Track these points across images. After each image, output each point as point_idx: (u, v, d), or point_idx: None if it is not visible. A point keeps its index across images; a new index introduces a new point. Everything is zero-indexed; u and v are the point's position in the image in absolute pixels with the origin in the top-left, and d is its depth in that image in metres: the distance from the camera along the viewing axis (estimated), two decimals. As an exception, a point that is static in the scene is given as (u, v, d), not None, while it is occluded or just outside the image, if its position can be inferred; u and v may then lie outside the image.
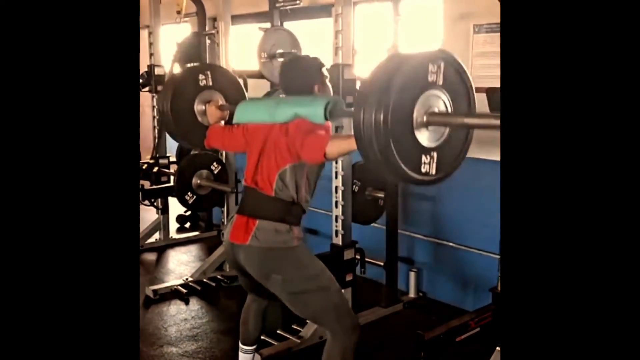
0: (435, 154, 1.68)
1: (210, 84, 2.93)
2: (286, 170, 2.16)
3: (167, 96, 2.85)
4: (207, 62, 4.35)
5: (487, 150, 3.05)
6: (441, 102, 1.66)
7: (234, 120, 2.38)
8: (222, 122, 2.70)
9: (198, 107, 2.90)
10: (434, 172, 1.69)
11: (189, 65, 3.23)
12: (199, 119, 2.90)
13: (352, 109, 1.69)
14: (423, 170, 1.67)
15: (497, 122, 1.44)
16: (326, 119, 2.07)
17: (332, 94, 2.43)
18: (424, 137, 1.65)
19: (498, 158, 1.13)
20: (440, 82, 1.64)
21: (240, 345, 2.57)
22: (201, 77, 2.90)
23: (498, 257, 2.91)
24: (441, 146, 1.70)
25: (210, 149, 2.66)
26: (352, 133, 1.63)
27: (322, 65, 2.36)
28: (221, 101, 2.87)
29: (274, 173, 2.17)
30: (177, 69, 4.43)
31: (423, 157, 1.66)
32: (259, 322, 2.53)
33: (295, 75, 2.31)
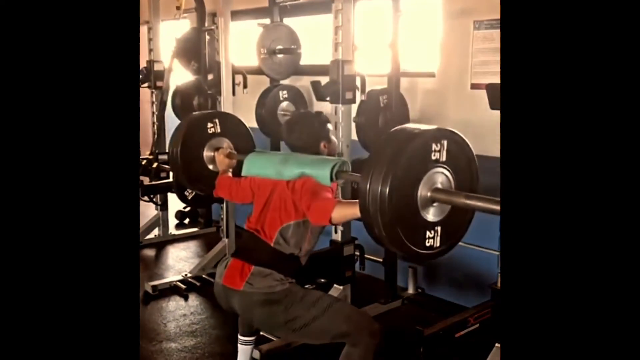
0: (439, 228, 1.72)
1: (219, 131, 2.96)
2: (290, 226, 2.20)
3: (177, 143, 2.88)
4: (207, 58, 4.35)
5: (486, 146, 3.05)
6: (444, 177, 1.70)
7: (242, 173, 2.42)
8: (230, 171, 2.75)
9: (207, 153, 2.93)
10: (437, 244, 1.73)
11: (196, 113, 3.27)
12: (208, 165, 2.94)
13: (358, 173, 1.76)
14: (427, 244, 1.70)
15: (497, 207, 1.49)
16: (332, 180, 2.10)
17: (337, 149, 2.48)
18: (429, 213, 1.69)
19: (498, 154, 1.13)
20: (444, 159, 1.68)
21: (239, 336, 2.57)
22: (210, 125, 2.93)
23: (497, 253, 2.91)
24: (445, 219, 1.73)
25: (218, 197, 2.73)
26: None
27: (327, 121, 2.41)
28: (230, 149, 2.89)
29: (276, 227, 2.21)
30: (176, 65, 4.43)
31: (427, 232, 1.70)
32: None
33: (301, 133, 2.35)
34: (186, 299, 3.68)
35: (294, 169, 2.19)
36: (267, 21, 4.26)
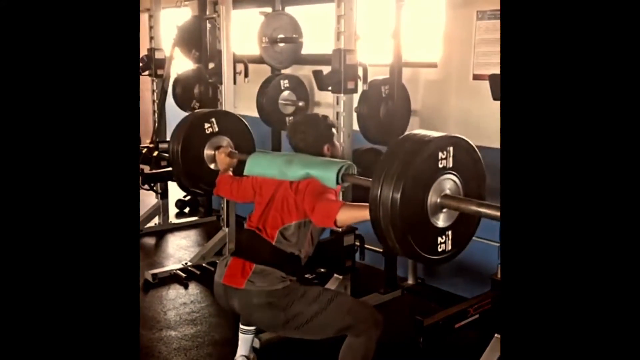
0: (450, 232, 1.74)
1: (217, 130, 2.97)
2: (290, 227, 2.20)
3: (177, 144, 2.88)
4: (208, 47, 4.33)
5: (487, 137, 3.03)
6: (452, 183, 1.73)
7: (245, 172, 2.42)
8: (231, 170, 2.75)
9: (207, 152, 2.94)
10: (450, 248, 1.75)
11: (196, 110, 3.27)
12: (209, 164, 2.96)
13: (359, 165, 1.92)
14: (439, 249, 1.73)
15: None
16: (337, 183, 2.10)
17: (340, 153, 2.50)
18: (439, 219, 1.71)
19: (498, 145, 1.12)
20: (450, 165, 1.71)
21: (241, 325, 2.58)
22: (207, 125, 2.94)
23: (497, 244, 2.91)
24: (455, 223, 1.75)
25: (218, 196, 2.77)
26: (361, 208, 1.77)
27: (331, 125, 2.43)
28: (230, 147, 2.89)
29: (277, 227, 2.20)
30: (177, 53, 4.41)
31: (439, 238, 1.73)
32: None
33: (305, 134, 2.36)
34: (186, 287, 3.69)
35: (299, 170, 2.19)
36: (268, 9, 4.23)
